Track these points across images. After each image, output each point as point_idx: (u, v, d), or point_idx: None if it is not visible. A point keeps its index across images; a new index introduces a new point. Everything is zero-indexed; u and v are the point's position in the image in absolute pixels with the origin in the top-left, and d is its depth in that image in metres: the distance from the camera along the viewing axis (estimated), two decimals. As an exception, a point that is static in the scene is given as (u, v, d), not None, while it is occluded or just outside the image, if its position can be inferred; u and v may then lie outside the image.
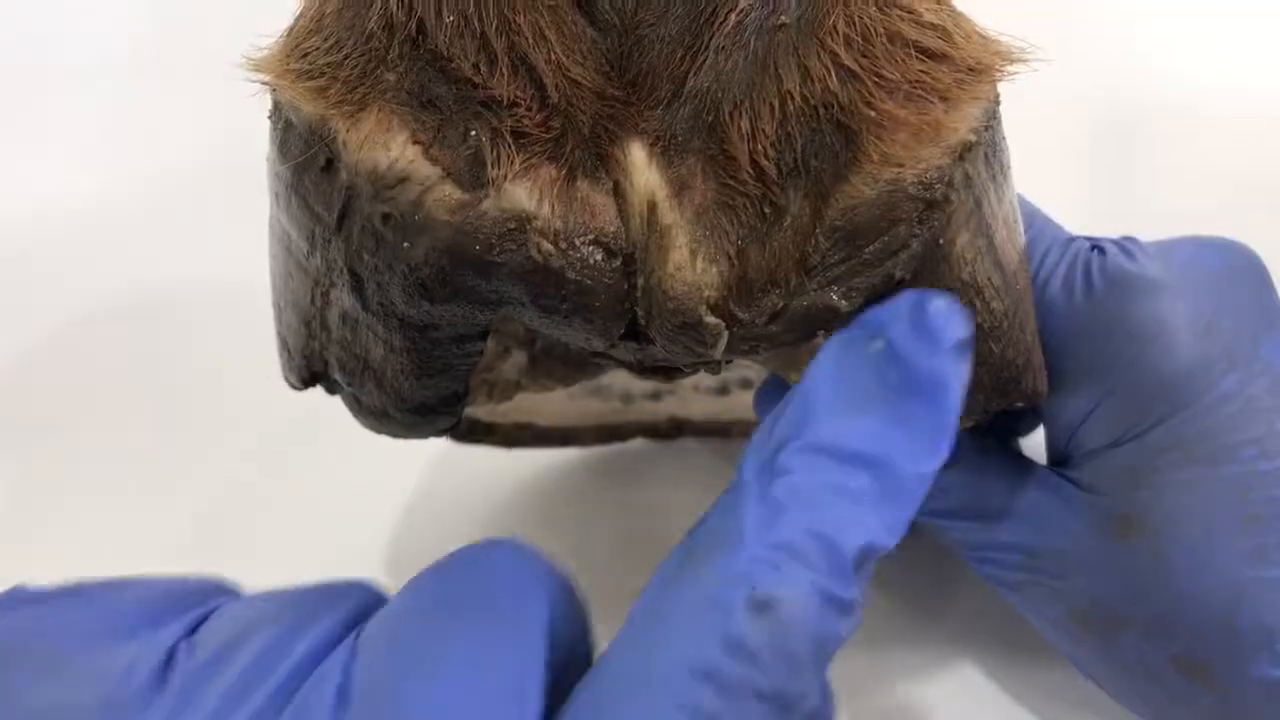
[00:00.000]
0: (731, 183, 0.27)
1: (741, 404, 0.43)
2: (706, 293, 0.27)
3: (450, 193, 0.26)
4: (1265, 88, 0.62)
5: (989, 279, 0.30)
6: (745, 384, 0.43)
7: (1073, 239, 0.36)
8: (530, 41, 0.26)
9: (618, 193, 0.27)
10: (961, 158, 0.27)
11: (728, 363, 0.29)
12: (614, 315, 0.28)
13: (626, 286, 0.28)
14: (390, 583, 0.44)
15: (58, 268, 0.57)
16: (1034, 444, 0.40)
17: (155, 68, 0.66)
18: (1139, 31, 0.66)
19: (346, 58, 0.27)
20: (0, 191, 0.60)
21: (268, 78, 0.28)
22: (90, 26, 0.69)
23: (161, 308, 0.55)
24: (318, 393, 0.38)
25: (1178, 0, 0.68)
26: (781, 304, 0.27)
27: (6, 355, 0.53)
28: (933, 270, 0.28)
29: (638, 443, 0.47)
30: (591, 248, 0.27)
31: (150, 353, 0.53)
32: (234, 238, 0.49)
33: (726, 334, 0.28)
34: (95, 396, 0.52)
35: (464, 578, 0.27)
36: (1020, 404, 0.33)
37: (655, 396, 0.44)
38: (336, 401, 0.37)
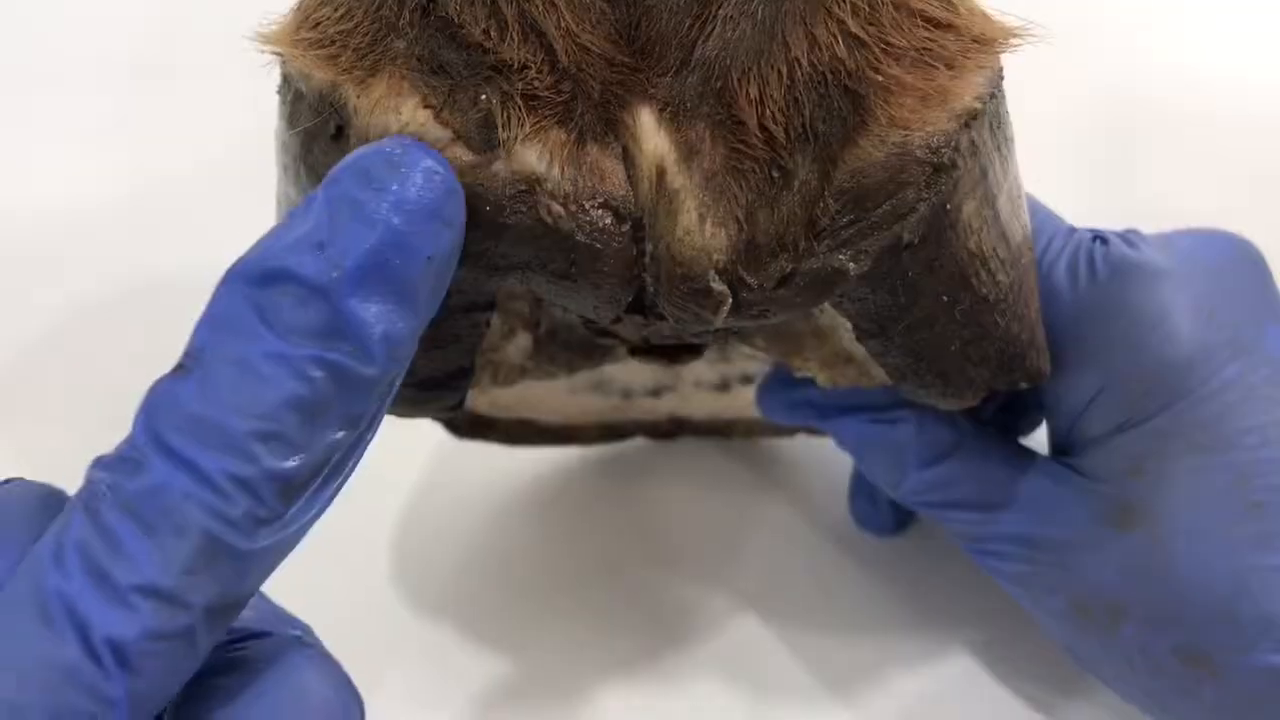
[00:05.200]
0: (740, 147, 0.27)
1: (743, 401, 0.43)
2: (715, 257, 0.27)
3: (460, 154, 0.27)
4: (1267, 84, 0.62)
5: (995, 250, 0.30)
6: (746, 380, 0.43)
7: (1075, 230, 0.37)
8: (540, 8, 0.26)
9: (627, 157, 0.27)
10: (967, 125, 0.28)
11: (734, 332, 0.30)
12: (622, 281, 0.28)
13: (635, 252, 0.28)
14: (390, 582, 0.44)
15: (57, 266, 0.57)
16: (1036, 437, 0.40)
17: (155, 68, 0.67)
18: (1140, 30, 0.66)
19: (357, 26, 0.27)
20: (0, 190, 0.60)
21: (279, 48, 0.29)
22: (90, 26, 0.69)
23: (161, 306, 0.55)
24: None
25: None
26: (790, 268, 0.28)
27: (6, 353, 0.53)
28: (940, 236, 0.29)
29: (638, 442, 0.47)
30: (600, 211, 0.27)
31: (149, 352, 0.53)
32: (233, 234, 0.49)
33: (730, 301, 0.28)
34: (95, 395, 0.51)
35: None
36: (1024, 384, 0.33)
37: (656, 393, 0.44)
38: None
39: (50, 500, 0.27)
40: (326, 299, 0.24)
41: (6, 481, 0.28)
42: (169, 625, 0.23)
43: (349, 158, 0.25)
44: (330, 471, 0.25)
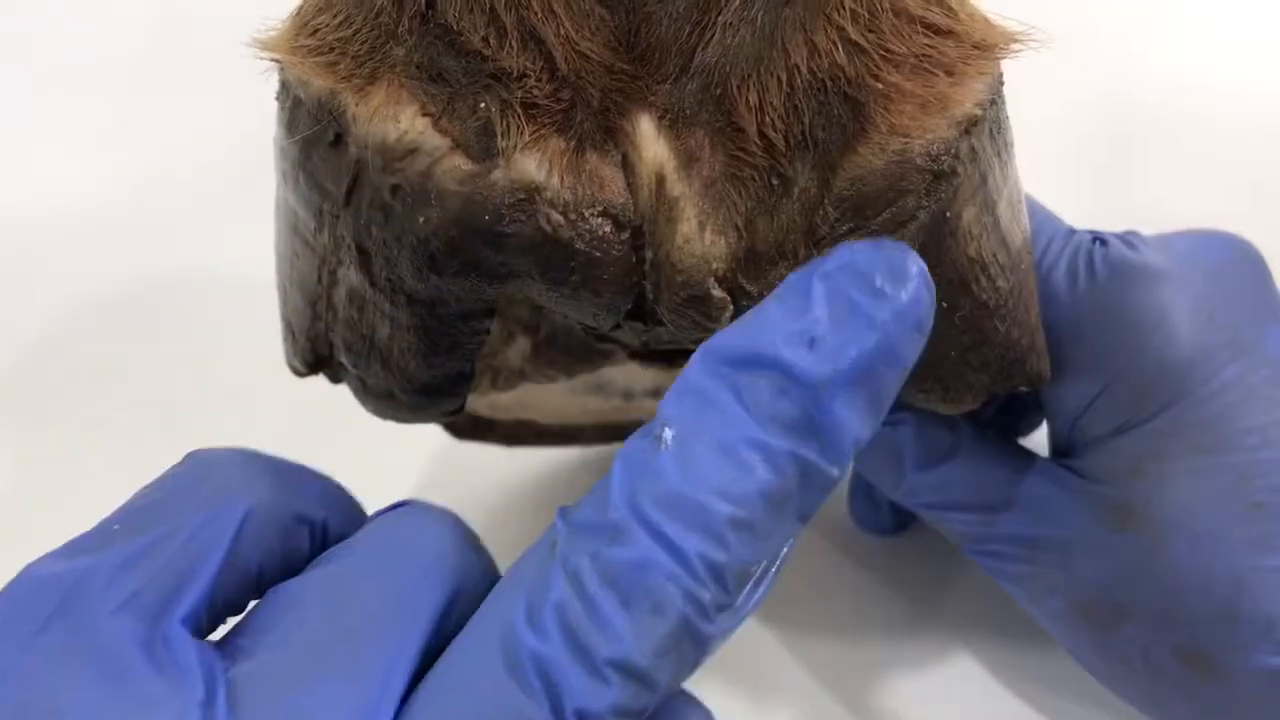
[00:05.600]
0: (740, 155, 0.27)
1: (743, 401, 0.43)
2: (715, 264, 0.27)
3: (460, 163, 0.26)
4: (1265, 89, 0.62)
5: (995, 256, 0.30)
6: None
7: (1074, 231, 0.37)
8: (539, 16, 0.26)
9: (626, 165, 0.27)
10: (967, 131, 0.27)
11: None
12: (622, 289, 0.28)
13: (635, 259, 0.28)
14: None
15: (57, 266, 0.57)
16: (1036, 438, 0.40)
17: (155, 68, 0.67)
18: (1138, 35, 0.66)
19: (356, 33, 0.27)
20: (0, 190, 0.60)
21: (277, 55, 0.28)
22: (90, 26, 0.69)
23: (162, 307, 0.55)
24: (317, 392, 0.38)
25: (1178, 0, 0.68)
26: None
27: (5, 352, 0.53)
28: (939, 244, 0.29)
29: (638, 442, 0.47)
30: (600, 219, 0.27)
31: (149, 351, 0.53)
32: (234, 235, 0.49)
33: (731, 308, 0.28)
34: (94, 395, 0.51)
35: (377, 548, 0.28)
36: (1024, 387, 0.33)
37: (657, 394, 0.44)
38: (336, 403, 0.37)
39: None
40: (811, 395, 0.23)
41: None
42: (634, 704, 0.23)
43: (848, 255, 0.24)
44: (778, 566, 0.24)
